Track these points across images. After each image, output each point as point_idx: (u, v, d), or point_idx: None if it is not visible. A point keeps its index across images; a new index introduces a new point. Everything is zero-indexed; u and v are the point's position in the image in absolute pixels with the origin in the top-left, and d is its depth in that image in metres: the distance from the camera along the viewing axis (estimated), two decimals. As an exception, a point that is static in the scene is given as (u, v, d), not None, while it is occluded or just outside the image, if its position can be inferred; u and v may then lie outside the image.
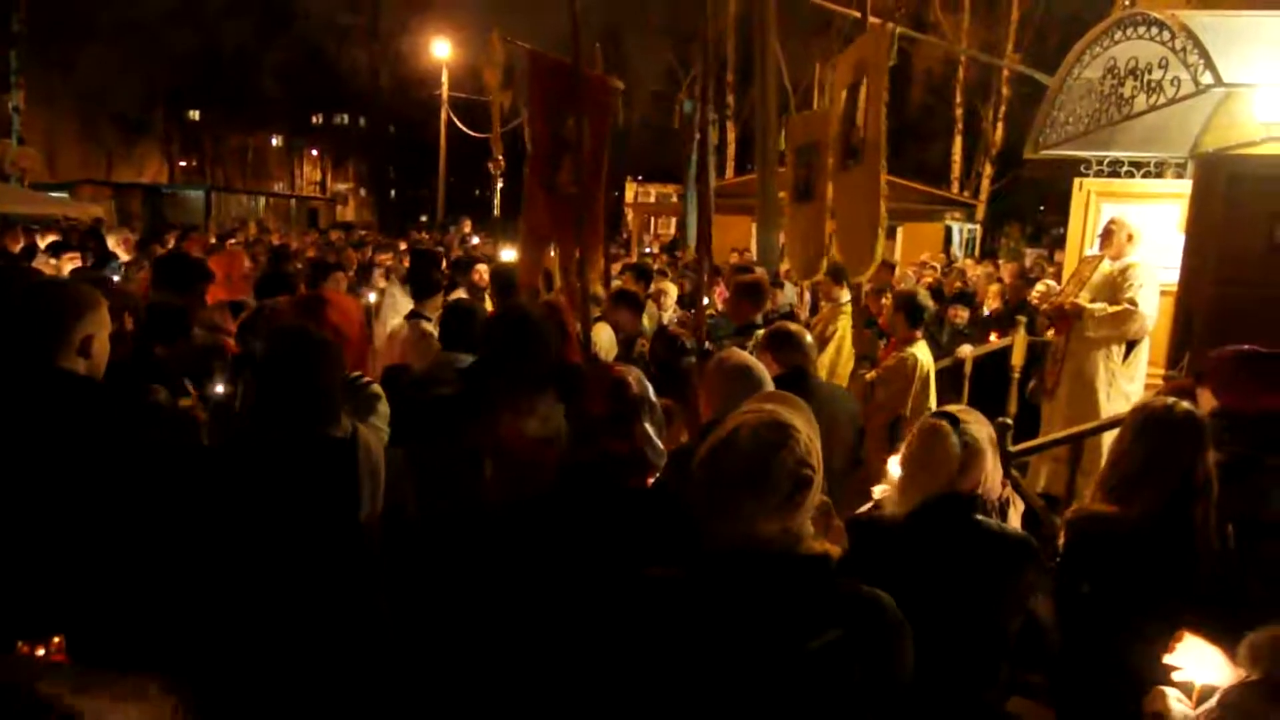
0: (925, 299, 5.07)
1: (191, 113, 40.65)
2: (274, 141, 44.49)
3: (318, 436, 1.88)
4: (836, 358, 5.44)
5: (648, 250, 19.65)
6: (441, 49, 27.94)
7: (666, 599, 1.49)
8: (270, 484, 1.83)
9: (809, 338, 3.59)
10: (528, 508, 2.10)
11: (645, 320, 5.69)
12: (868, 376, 4.73)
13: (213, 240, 11.60)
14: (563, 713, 1.84)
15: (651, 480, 2.09)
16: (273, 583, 1.79)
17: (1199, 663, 1.93)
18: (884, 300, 6.67)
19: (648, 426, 2.04)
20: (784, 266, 11.52)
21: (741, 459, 1.47)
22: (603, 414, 2.02)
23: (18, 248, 9.43)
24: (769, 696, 1.41)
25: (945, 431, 2.01)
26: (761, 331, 4.62)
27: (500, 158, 5.70)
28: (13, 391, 1.81)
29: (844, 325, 5.62)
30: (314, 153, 46.76)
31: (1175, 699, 1.92)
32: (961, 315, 7.02)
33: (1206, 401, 2.86)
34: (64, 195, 20.10)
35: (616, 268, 7.75)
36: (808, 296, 7.90)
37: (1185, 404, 2.34)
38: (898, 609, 1.49)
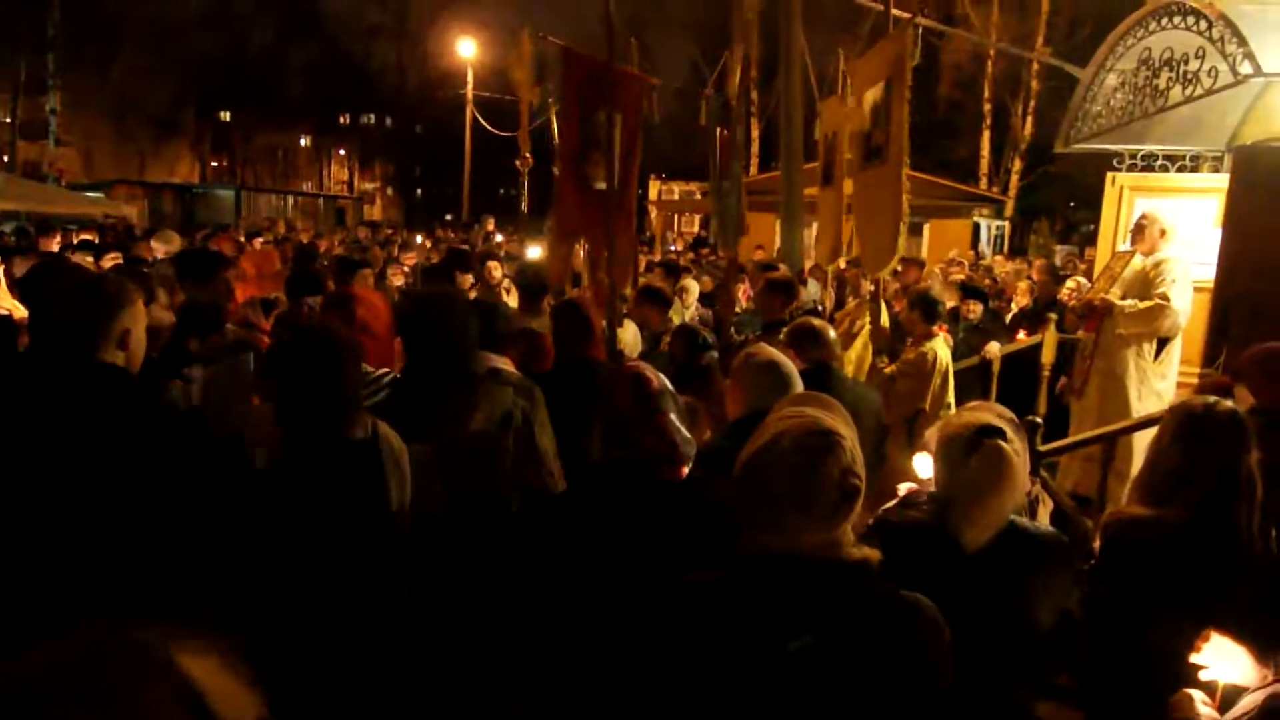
0: (939, 294, 5.06)
1: (222, 113, 41.28)
2: (302, 141, 45.05)
3: (337, 439, 1.87)
4: (864, 353, 5.41)
5: (672, 248, 19.65)
6: (467, 48, 28.11)
7: (701, 605, 1.47)
8: (291, 490, 1.82)
9: (832, 333, 3.58)
10: (562, 505, 2.11)
11: (674, 316, 5.71)
12: (886, 370, 4.72)
13: (242, 238, 11.78)
14: (592, 712, 1.84)
15: (684, 471, 2.09)
16: (292, 586, 1.78)
17: (1224, 662, 1.89)
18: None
19: (673, 418, 2.04)
20: (808, 263, 11.48)
21: (787, 470, 1.42)
22: (628, 411, 2.02)
23: (55, 246, 9.63)
24: (807, 702, 1.39)
25: (1010, 456, 1.88)
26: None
27: (528, 155, 5.72)
28: (58, 383, 1.86)
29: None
30: (341, 152, 47.29)
31: (1201, 701, 1.89)
32: (975, 310, 6.91)
33: (1244, 400, 2.80)
34: (100, 195, 20.50)
35: (640, 264, 7.79)
36: (832, 292, 7.86)
37: (1227, 403, 2.29)
38: (938, 612, 1.47)
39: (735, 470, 1.52)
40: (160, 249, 7.65)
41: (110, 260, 7.01)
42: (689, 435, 2.09)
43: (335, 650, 1.80)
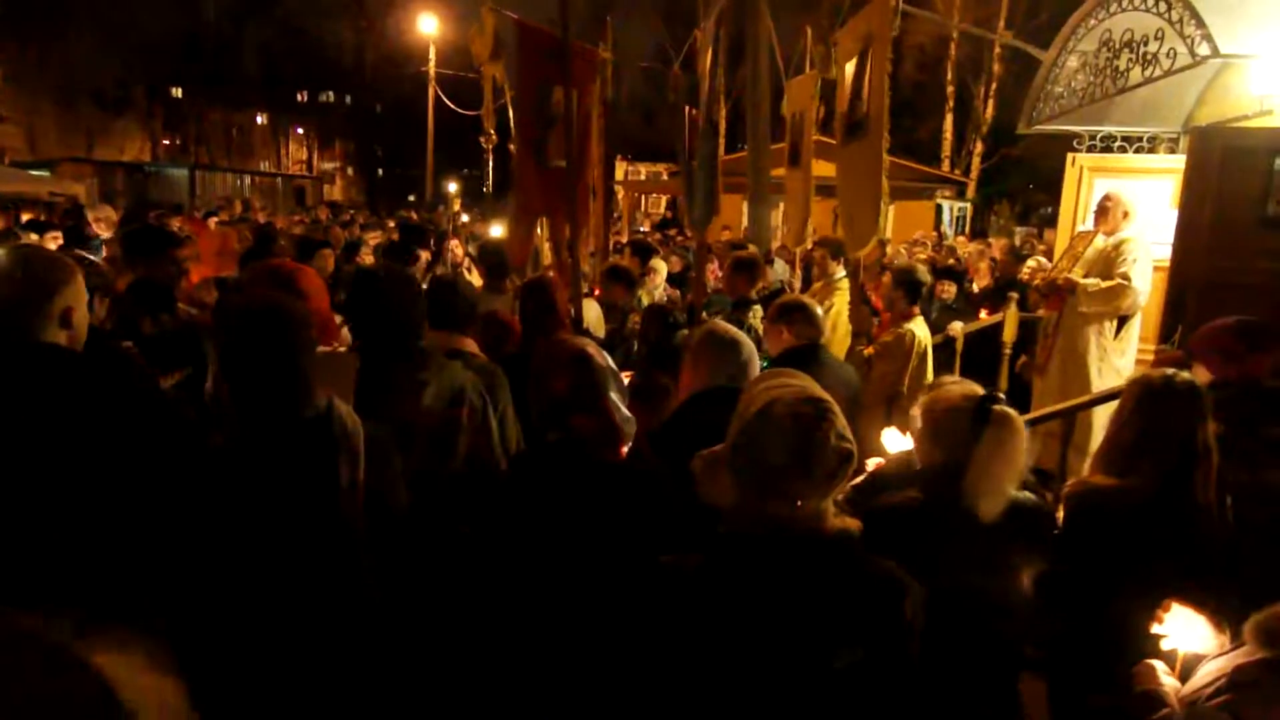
0: (924, 274, 5.01)
1: (174, 90, 39.96)
2: (259, 120, 43.84)
3: (289, 417, 1.79)
4: (831, 335, 5.42)
5: (640, 229, 19.58)
6: (428, 24, 27.51)
7: (690, 587, 1.45)
8: (242, 469, 1.75)
9: (820, 311, 3.58)
10: (503, 490, 2.05)
11: (644, 296, 5.66)
12: (865, 352, 4.71)
13: (198, 216, 11.46)
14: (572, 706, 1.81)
15: (625, 451, 2.06)
16: (248, 567, 1.71)
17: (1184, 631, 1.92)
18: (884, 278, 6.63)
19: (614, 396, 2.00)
20: (775, 244, 11.50)
21: (786, 437, 1.42)
22: (567, 390, 1.96)
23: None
24: (808, 680, 1.39)
25: (1018, 418, 1.90)
26: (759, 307, 4.60)
27: (491, 132, 5.59)
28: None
29: (839, 301, 5.60)
30: (299, 131, 46.15)
31: (1164, 672, 1.92)
32: (949, 290, 6.99)
33: (1201, 376, 2.86)
34: (45, 174, 19.75)
35: (609, 244, 7.72)
36: (799, 271, 7.89)
37: (1185, 375, 2.33)
38: (916, 585, 1.48)
39: (727, 443, 1.51)
40: (101, 222, 7.41)
41: (52, 240, 6.78)
42: (628, 414, 2.05)
43: (290, 633, 1.74)
